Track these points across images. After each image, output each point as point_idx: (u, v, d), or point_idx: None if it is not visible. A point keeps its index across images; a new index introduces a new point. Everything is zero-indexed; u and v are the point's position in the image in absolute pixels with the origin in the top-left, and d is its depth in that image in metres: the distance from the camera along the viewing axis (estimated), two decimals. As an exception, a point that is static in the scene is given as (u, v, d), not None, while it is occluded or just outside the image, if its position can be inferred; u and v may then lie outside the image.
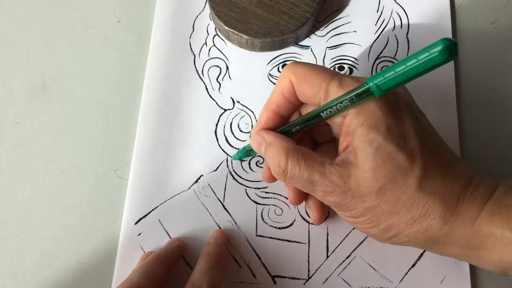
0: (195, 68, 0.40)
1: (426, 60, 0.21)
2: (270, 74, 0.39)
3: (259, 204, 0.35)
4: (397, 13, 0.41)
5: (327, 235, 0.35)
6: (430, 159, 0.26)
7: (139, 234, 0.35)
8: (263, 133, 0.30)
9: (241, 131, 0.38)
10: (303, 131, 0.30)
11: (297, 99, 0.29)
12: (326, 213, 0.33)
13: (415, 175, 0.25)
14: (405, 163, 0.25)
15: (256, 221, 0.35)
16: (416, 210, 0.25)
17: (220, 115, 0.38)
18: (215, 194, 0.36)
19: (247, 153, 0.34)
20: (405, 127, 0.26)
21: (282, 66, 0.39)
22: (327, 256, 0.34)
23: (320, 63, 0.39)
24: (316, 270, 0.34)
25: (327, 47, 0.40)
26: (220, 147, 0.37)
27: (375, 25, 0.40)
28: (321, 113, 0.27)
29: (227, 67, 0.40)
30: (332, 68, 0.39)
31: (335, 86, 0.27)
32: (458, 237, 0.25)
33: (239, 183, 0.36)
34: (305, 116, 0.29)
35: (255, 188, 0.36)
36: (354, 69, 0.39)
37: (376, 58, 0.39)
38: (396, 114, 0.26)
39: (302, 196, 0.32)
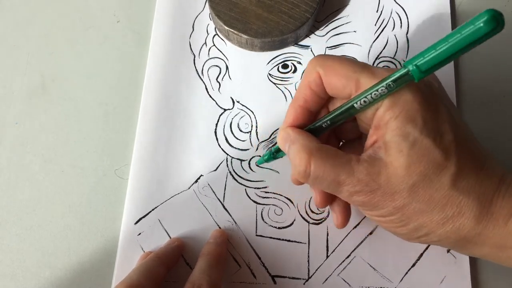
0: (195, 68, 0.40)
1: (471, 33, 0.20)
2: (270, 74, 0.39)
3: (259, 204, 0.35)
4: (397, 13, 0.41)
5: (327, 235, 0.35)
6: (464, 155, 0.25)
7: (139, 234, 0.35)
8: (289, 129, 0.28)
9: (241, 131, 0.38)
10: (334, 126, 0.28)
11: (325, 92, 0.28)
12: (350, 216, 0.31)
13: (450, 172, 0.24)
14: (440, 159, 0.24)
15: (256, 221, 0.35)
16: (450, 209, 0.24)
17: (220, 115, 0.38)
18: (215, 194, 0.36)
19: (273, 155, 0.32)
20: (441, 121, 0.25)
21: (282, 66, 0.39)
22: (327, 256, 0.34)
23: (320, 63, 0.39)
24: (316, 270, 0.34)
25: (327, 47, 0.40)
26: (220, 147, 0.37)
27: (375, 25, 0.40)
28: (355, 104, 0.25)
29: (227, 67, 0.40)
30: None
31: (366, 76, 0.25)
32: (491, 237, 0.24)
33: (239, 183, 0.36)
34: (336, 110, 0.27)
35: (255, 188, 0.36)
36: (354, 69, 0.39)
37: (376, 58, 0.39)
38: (432, 107, 0.25)
39: (330, 198, 0.30)
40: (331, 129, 0.28)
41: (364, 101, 0.25)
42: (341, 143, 0.32)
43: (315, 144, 0.27)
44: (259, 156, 0.37)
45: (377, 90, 0.24)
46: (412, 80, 0.23)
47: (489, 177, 0.25)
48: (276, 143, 0.35)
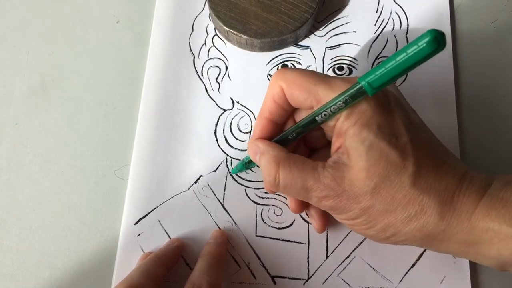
0: (195, 68, 0.40)
1: (415, 53, 0.21)
2: (269, 74, 0.39)
3: (259, 204, 0.35)
4: (397, 13, 0.41)
5: (327, 235, 0.35)
6: (423, 155, 0.26)
7: (139, 234, 0.35)
8: (257, 142, 0.30)
9: (240, 131, 0.38)
10: (300, 137, 0.30)
11: (289, 104, 0.29)
12: (328, 220, 0.33)
13: (409, 172, 0.25)
14: (397, 160, 0.25)
15: (256, 221, 0.35)
16: (412, 207, 0.25)
17: (220, 115, 0.38)
18: (215, 194, 0.36)
19: (246, 165, 0.34)
20: (396, 124, 0.26)
21: (282, 66, 0.39)
22: (327, 256, 0.34)
23: (319, 63, 0.39)
24: (316, 270, 0.34)
25: (327, 47, 0.40)
26: (220, 147, 0.37)
27: (375, 25, 0.40)
28: (316, 118, 0.27)
29: (227, 67, 0.40)
30: (331, 68, 0.39)
31: (324, 89, 0.27)
32: (456, 233, 0.25)
33: (238, 183, 0.36)
34: (300, 122, 0.29)
35: (254, 188, 0.36)
36: (353, 69, 0.39)
37: (376, 58, 0.39)
38: (387, 112, 0.26)
39: (303, 204, 0.32)
40: (299, 138, 0.30)
41: (325, 115, 0.27)
42: (310, 151, 0.33)
43: (283, 154, 0.28)
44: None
45: (335, 105, 0.26)
46: (367, 94, 0.25)
47: (449, 175, 0.26)
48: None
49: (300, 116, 0.30)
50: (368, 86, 0.24)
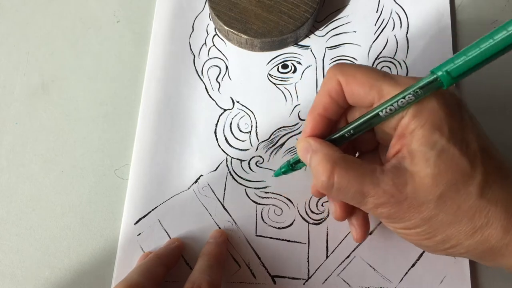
0: (195, 68, 0.40)
1: (503, 38, 0.20)
2: (269, 74, 0.39)
3: (259, 204, 0.35)
4: (397, 13, 0.41)
5: (327, 235, 0.35)
6: (490, 164, 0.24)
7: (139, 234, 0.35)
8: (310, 139, 0.27)
9: (240, 131, 0.38)
10: (357, 136, 0.27)
11: (345, 101, 0.27)
12: (369, 229, 0.31)
13: (477, 181, 0.23)
14: (467, 168, 0.23)
15: (256, 221, 0.35)
16: (478, 219, 0.23)
17: (220, 115, 0.38)
18: (215, 194, 0.36)
19: (291, 167, 0.31)
20: (466, 130, 0.24)
21: (282, 66, 0.39)
22: (327, 256, 0.34)
23: (319, 63, 0.39)
24: (316, 270, 0.34)
25: (327, 47, 0.40)
26: (220, 147, 0.37)
27: (375, 25, 0.40)
28: (380, 112, 0.25)
29: (227, 67, 0.40)
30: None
31: (389, 84, 0.25)
32: None
33: (238, 183, 0.36)
34: (360, 118, 0.26)
35: (254, 188, 0.36)
36: (353, 69, 0.39)
37: (376, 58, 0.39)
38: (457, 116, 0.24)
39: (349, 211, 0.29)
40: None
41: (390, 109, 0.24)
42: (356, 154, 0.32)
43: (338, 154, 0.26)
44: (259, 156, 0.37)
45: (404, 98, 0.24)
46: (441, 87, 0.23)
47: None
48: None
49: (353, 116, 0.28)
50: (446, 76, 0.22)
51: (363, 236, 0.30)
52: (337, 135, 0.28)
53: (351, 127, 0.27)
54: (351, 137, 0.27)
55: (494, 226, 0.23)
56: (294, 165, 0.31)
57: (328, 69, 0.27)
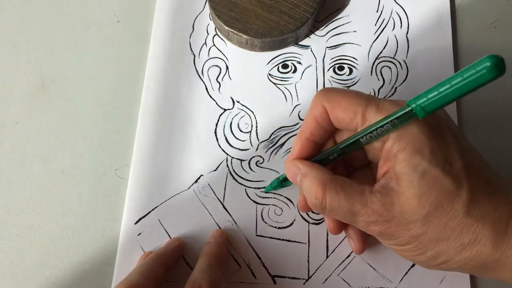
0: (195, 68, 0.40)
1: (473, 79, 0.21)
2: (270, 74, 0.39)
3: (259, 204, 0.35)
4: (397, 13, 0.41)
5: (327, 235, 0.35)
6: (476, 182, 0.25)
7: (139, 234, 0.35)
8: (297, 163, 0.29)
9: (241, 131, 0.38)
10: (340, 158, 0.29)
11: (332, 125, 0.29)
12: (367, 242, 0.32)
13: (463, 200, 0.24)
14: (451, 187, 0.24)
15: (256, 221, 0.35)
16: (466, 236, 0.24)
17: (220, 115, 0.38)
18: (215, 194, 0.36)
19: (281, 183, 0.33)
20: (449, 149, 0.25)
21: (282, 66, 0.39)
22: (327, 256, 0.34)
23: (320, 63, 0.39)
24: (316, 270, 0.34)
25: (327, 47, 0.40)
26: (220, 147, 0.37)
27: (375, 25, 0.40)
28: (360, 139, 0.26)
29: (227, 67, 0.40)
30: (332, 68, 0.39)
31: (372, 110, 0.26)
32: (510, 262, 0.24)
33: (239, 183, 0.36)
34: (343, 143, 0.28)
35: (255, 188, 0.36)
36: (354, 69, 0.39)
37: (376, 58, 0.39)
38: (439, 137, 0.25)
39: (343, 225, 0.31)
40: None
41: (370, 136, 0.26)
42: (350, 169, 0.33)
43: (327, 176, 0.27)
44: (259, 156, 0.37)
45: (382, 127, 0.25)
46: (416, 117, 0.24)
47: (503, 202, 0.25)
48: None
49: (341, 137, 0.30)
50: (420, 110, 0.23)
51: (362, 248, 0.32)
52: (323, 157, 0.29)
53: (335, 150, 0.29)
54: (336, 159, 0.29)
55: (482, 242, 0.24)
56: (283, 182, 0.33)
57: (315, 95, 0.29)
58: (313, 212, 0.35)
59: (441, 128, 0.26)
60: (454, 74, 0.21)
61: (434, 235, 0.25)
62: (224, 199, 0.36)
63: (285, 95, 0.38)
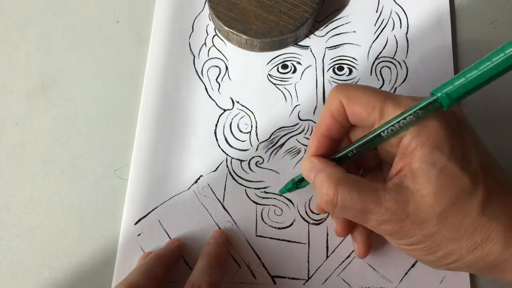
0: (195, 68, 0.40)
1: (502, 61, 0.20)
2: (269, 74, 0.39)
3: (259, 204, 0.35)
4: (397, 13, 0.41)
5: (327, 235, 0.35)
6: (491, 181, 0.25)
7: (139, 234, 0.35)
8: (314, 159, 0.28)
9: (240, 131, 0.38)
10: (360, 155, 0.28)
11: (348, 121, 0.28)
12: (371, 245, 0.32)
13: (478, 198, 0.24)
14: (469, 185, 0.24)
15: (256, 221, 0.35)
16: (479, 235, 0.24)
17: (220, 115, 0.38)
18: (215, 194, 0.36)
19: (296, 184, 0.33)
20: (467, 147, 0.25)
21: (282, 67, 0.39)
22: (327, 256, 0.34)
23: (319, 63, 0.39)
24: (316, 270, 0.34)
25: (327, 47, 0.40)
26: (220, 147, 0.37)
27: (375, 25, 0.40)
28: (382, 133, 0.26)
29: (227, 67, 0.40)
30: (331, 68, 0.39)
31: (391, 105, 0.25)
32: None
33: (238, 183, 0.36)
34: (363, 138, 0.27)
35: (254, 188, 0.36)
36: (353, 69, 0.39)
37: (376, 58, 0.39)
38: (457, 134, 0.25)
39: (350, 228, 0.31)
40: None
41: (392, 130, 0.25)
42: (361, 170, 0.32)
43: (341, 173, 0.27)
44: (259, 156, 0.37)
45: (404, 119, 0.24)
46: (441, 108, 0.23)
47: None
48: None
49: (356, 135, 0.29)
50: (445, 98, 0.23)
51: (366, 252, 0.32)
52: (340, 154, 0.28)
53: (353, 146, 0.28)
54: (354, 156, 0.28)
55: (494, 241, 0.24)
56: (298, 183, 0.32)
57: (331, 90, 0.28)
58: (312, 213, 0.35)
59: (460, 126, 0.25)
60: (480, 60, 0.21)
61: (447, 234, 0.24)
62: (224, 199, 0.36)
63: (284, 96, 0.38)
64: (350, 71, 0.39)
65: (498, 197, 0.24)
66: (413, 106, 0.24)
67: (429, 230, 0.25)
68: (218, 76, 0.39)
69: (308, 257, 0.34)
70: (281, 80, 0.39)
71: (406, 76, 0.39)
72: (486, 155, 0.26)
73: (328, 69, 0.39)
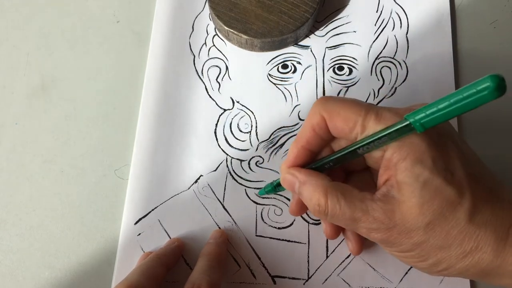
0: (195, 68, 0.40)
1: (474, 99, 0.20)
2: (269, 74, 0.39)
3: (259, 204, 0.35)
4: (397, 13, 0.41)
5: (327, 235, 0.35)
6: (478, 189, 0.25)
7: (139, 234, 0.35)
8: (294, 171, 0.29)
9: (240, 131, 0.38)
10: (336, 167, 0.29)
11: (329, 134, 0.28)
12: (364, 243, 0.32)
13: (465, 207, 0.24)
14: (454, 196, 0.24)
15: (256, 221, 0.35)
16: (468, 243, 0.24)
17: (220, 115, 0.38)
18: (215, 194, 0.36)
19: (275, 188, 0.33)
20: (450, 158, 0.25)
21: (282, 66, 0.39)
22: (327, 256, 0.34)
23: (319, 63, 0.39)
24: (316, 270, 0.34)
25: (327, 47, 0.40)
26: (220, 147, 0.37)
27: (375, 25, 0.40)
28: (358, 150, 0.26)
29: (227, 67, 0.40)
30: (331, 68, 0.39)
31: (372, 120, 0.26)
32: (511, 269, 0.24)
33: (238, 183, 0.36)
34: (340, 152, 0.28)
35: (254, 188, 0.36)
36: (353, 69, 0.39)
37: (376, 58, 0.39)
38: (440, 145, 0.25)
39: (339, 230, 0.31)
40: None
41: (367, 148, 0.26)
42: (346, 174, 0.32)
43: (327, 182, 0.27)
44: (259, 156, 0.37)
45: (379, 139, 0.25)
46: (415, 131, 0.24)
47: (505, 209, 0.25)
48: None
49: (339, 145, 0.29)
50: (419, 126, 0.23)
51: (359, 249, 0.32)
52: (318, 165, 0.29)
53: (331, 158, 0.28)
54: (331, 167, 0.29)
55: (484, 249, 0.24)
56: (277, 187, 0.33)
57: (313, 103, 0.28)
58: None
59: (442, 136, 0.26)
60: (454, 92, 0.21)
61: (436, 243, 0.25)
62: (224, 199, 0.36)
63: (284, 95, 0.38)
64: (350, 71, 0.39)
65: (486, 205, 0.24)
66: (389, 127, 0.25)
67: (417, 239, 0.25)
68: (218, 76, 0.39)
69: (308, 257, 0.34)
70: (281, 80, 0.39)
71: (406, 76, 0.39)
72: (474, 164, 0.26)
73: (328, 69, 0.39)
